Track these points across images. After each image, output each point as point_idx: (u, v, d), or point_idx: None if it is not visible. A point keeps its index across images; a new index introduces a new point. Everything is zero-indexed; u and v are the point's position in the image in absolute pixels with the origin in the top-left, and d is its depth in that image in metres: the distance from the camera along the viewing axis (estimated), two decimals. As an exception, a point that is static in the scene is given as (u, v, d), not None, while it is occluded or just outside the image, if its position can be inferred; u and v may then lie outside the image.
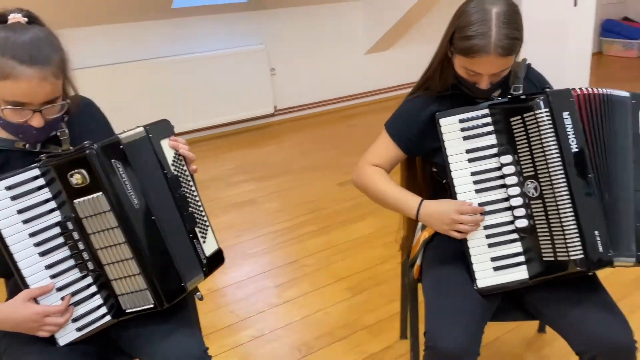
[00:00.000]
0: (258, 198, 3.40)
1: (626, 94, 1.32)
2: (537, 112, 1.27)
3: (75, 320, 1.24)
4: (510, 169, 1.33)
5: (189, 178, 1.37)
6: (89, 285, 1.26)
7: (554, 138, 1.26)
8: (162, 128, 1.34)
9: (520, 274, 1.32)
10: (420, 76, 1.52)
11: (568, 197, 1.24)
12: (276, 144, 4.47)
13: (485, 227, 1.35)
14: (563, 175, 1.25)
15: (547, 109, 1.27)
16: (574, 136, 1.26)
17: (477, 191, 1.36)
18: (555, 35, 3.26)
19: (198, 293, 1.44)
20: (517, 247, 1.33)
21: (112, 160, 1.20)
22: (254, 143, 4.51)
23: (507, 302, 1.43)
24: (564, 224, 1.25)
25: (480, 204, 1.35)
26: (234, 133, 4.75)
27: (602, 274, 1.37)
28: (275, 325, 2.17)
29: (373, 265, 2.55)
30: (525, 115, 1.29)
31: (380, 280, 2.43)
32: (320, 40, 5.11)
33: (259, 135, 4.70)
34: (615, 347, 1.21)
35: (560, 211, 1.25)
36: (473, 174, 1.36)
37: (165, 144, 1.33)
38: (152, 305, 1.26)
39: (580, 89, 1.30)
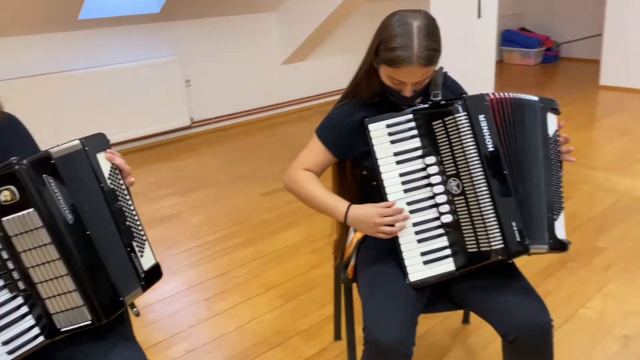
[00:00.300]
0: (181, 212, 3.36)
1: (535, 98, 1.48)
2: (456, 115, 1.40)
3: (5, 343, 1.20)
4: (434, 168, 1.44)
5: (126, 191, 1.36)
6: (19, 306, 1.22)
7: (472, 139, 1.39)
8: (98, 141, 1.33)
9: (448, 266, 1.44)
10: (348, 85, 1.61)
11: (487, 192, 1.38)
12: (195, 156, 4.43)
13: (414, 224, 1.46)
14: (482, 173, 1.38)
15: (465, 113, 1.40)
16: (489, 136, 1.40)
17: (406, 191, 1.46)
18: (462, 45, 3.52)
19: (135, 309, 1.43)
20: (444, 241, 1.45)
21: (44, 176, 1.18)
22: (172, 157, 4.45)
23: (435, 294, 1.54)
24: (484, 217, 1.38)
25: (409, 203, 1.45)
26: (150, 147, 4.65)
27: (520, 263, 1.52)
28: (208, 338, 2.17)
29: (303, 272, 2.61)
30: (446, 119, 1.42)
31: (310, 286, 2.50)
32: (236, 50, 5.14)
33: (176, 149, 4.64)
34: (535, 327, 1.35)
35: (481, 205, 1.38)
36: (401, 175, 1.47)
37: (102, 157, 1.32)
38: (89, 322, 1.25)
39: (493, 94, 1.44)
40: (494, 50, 3.68)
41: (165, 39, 4.69)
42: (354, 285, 1.68)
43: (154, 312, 2.35)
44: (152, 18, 4.52)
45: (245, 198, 3.52)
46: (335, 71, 5.86)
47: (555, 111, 1.53)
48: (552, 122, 1.51)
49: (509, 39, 7.39)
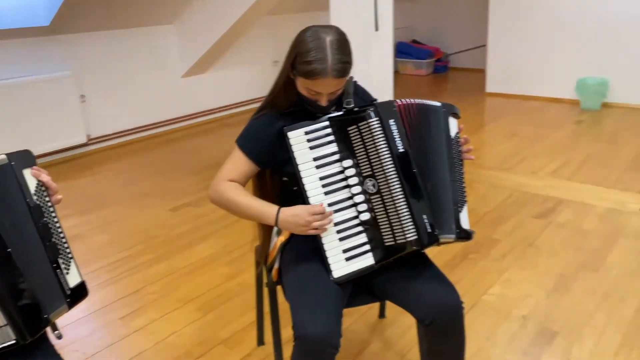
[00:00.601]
0: (84, 232, 3.26)
1: (438, 103, 1.67)
2: (369, 120, 1.55)
3: None
4: (351, 171, 1.58)
5: (52, 208, 1.36)
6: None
7: (384, 141, 1.54)
8: (25, 157, 1.33)
9: (368, 260, 1.57)
10: (266, 96, 1.70)
11: (400, 190, 1.53)
12: (94, 175, 4.29)
13: (336, 224, 1.58)
14: (395, 172, 1.53)
15: (377, 118, 1.55)
16: (399, 139, 1.56)
17: (326, 193, 1.58)
18: (362, 57, 3.73)
19: (57, 331, 1.42)
20: (363, 237, 1.58)
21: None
22: (69, 175, 4.28)
23: (357, 289, 1.67)
24: (399, 212, 1.53)
25: (329, 204, 1.57)
26: (44, 166, 4.43)
27: (432, 253, 1.69)
28: (128, 356, 2.14)
29: (220, 283, 2.65)
30: (360, 124, 1.56)
31: (230, 295, 2.54)
32: (133, 64, 5.05)
33: (73, 167, 4.47)
34: (448, 309, 1.52)
35: (395, 202, 1.53)
36: (321, 178, 1.58)
37: (28, 173, 1.31)
38: (13, 342, 1.23)
39: (400, 100, 1.61)
40: (392, 62, 3.94)
41: (58, 53, 4.51)
42: (278, 288, 1.77)
43: (68, 334, 2.28)
44: (42, 31, 4.34)
45: (152, 215, 3.48)
46: (238, 82, 5.93)
47: (456, 115, 1.73)
48: (454, 125, 1.70)
49: (402, 50, 7.86)
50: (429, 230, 1.53)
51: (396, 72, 7.99)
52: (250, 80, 6.00)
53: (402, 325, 2.22)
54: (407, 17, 8.05)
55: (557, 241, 2.90)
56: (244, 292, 2.55)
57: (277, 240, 1.73)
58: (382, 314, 2.30)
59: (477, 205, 3.39)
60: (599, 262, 2.68)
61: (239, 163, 1.68)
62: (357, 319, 2.30)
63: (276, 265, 1.74)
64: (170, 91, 5.40)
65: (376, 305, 2.33)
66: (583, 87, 5.69)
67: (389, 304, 2.30)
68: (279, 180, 1.75)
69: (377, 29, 3.71)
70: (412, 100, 1.63)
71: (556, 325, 2.21)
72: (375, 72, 3.82)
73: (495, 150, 4.49)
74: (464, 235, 1.62)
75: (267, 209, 1.59)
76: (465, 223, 1.64)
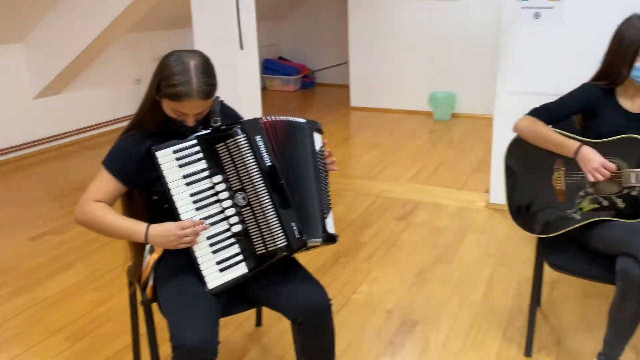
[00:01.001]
0: None
1: (303, 120, 1.83)
2: (236, 137, 1.67)
3: None
4: (222, 186, 1.68)
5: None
6: None
7: (252, 157, 1.67)
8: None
9: (241, 269, 1.68)
10: (133, 117, 1.75)
11: (269, 201, 1.66)
12: (-64, 207, 3.93)
13: (208, 238, 1.67)
14: (263, 185, 1.67)
15: (244, 135, 1.67)
16: (266, 154, 1.69)
17: (197, 209, 1.67)
18: (228, 75, 3.85)
19: None
20: (236, 248, 1.69)
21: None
22: None
23: (232, 298, 1.77)
24: (269, 222, 1.66)
25: (202, 220, 1.66)
26: None
27: (306, 259, 1.84)
28: (-8, 398, 2.04)
29: (89, 310, 2.59)
30: (227, 141, 1.67)
31: (101, 321, 2.50)
32: (-23, 84, 4.70)
33: None
34: (318, 307, 1.67)
35: (265, 212, 1.66)
36: (192, 195, 1.67)
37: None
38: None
39: (266, 117, 1.75)
40: (258, 78, 4.10)
41: None
42: (154, 306, 1.81)
43: None
44: None
45: (9, 246, 3.29)
46: (98, 103, 5.72)
47: (319, 131, 1.91)
48: (318, 139, 1.87)
49: (269, 67, 8.09)
50: (298, 236, 1.68)
51: (264, 89, 8.19)
52: (111, 100, 5.82)
53: (278, 331, 2.35)
54: (273, 34, 8.30)
55: (416, 239, 3.22)
56: (115, 317, 2.52)
57: (150, 258, 1.78)
58: (258, 323, 2.41)
59: (346, 213, 3.64)
60: (451, 255, 3.03)
61: (105, 183, 1.71)
62: (234, 330, 2.38)
63: (150, 283, 1.78)
64: (21, 114, 5.08)
65: (253, 315, 2.43)
66: (434, 100, 6.28)
67: (265, 313, 2.42)
68: (148, 199, 1.80)
69: (242, 47, 3.85)
70: (278, 117, 1.78)
71: (417, 315, 2.47)
72: (242, 89, 3.95)
73: (361, 160, 4.82)
74: (330, 239, 1.78)
75: (136, 227, 1.65)
76: (330, 228, 1.81)
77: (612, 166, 1.90)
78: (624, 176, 1.93)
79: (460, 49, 6.17)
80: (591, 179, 1.92)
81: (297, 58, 8.38)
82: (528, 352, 2.18)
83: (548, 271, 2.17)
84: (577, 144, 1.94)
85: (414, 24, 6.34)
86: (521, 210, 2.14)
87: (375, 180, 4.26)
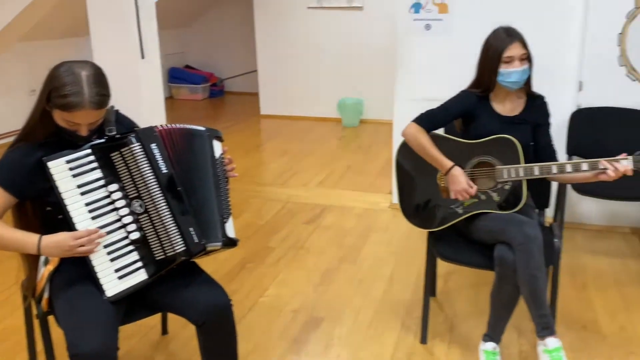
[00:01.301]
0: None
1: (202, 128, 1.89)
2: (131, 146, 1.70)
3: None
4: (118, 194, 1.71)
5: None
6: None
7: (148, 164, 1.71)
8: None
9: (141, 276, 1.71)
10: (21, 128, 1.74)
11: (167, 207, 1.71)
12: None
13: (106, 246, 1.69)
14: (160, 192, 1.71)
15: (139, 143, 1.71)
16: (162, 161, 1.74)
17: (94, 218, 1.68)
18: (130, 85, 3.82)
19: None
20: (135, 255, 1.72)
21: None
22: None
23: (133, 304, 1.80)
24: (167, 228, 1.70)
25: (98, 228, 1.67)
26: None
27: (213, 267, 1.89)
28: None
29: (-18, 333, 2.50)
30: (122, 150, 1.70)
31: (-3, 343, 2.42)
32: None
33: None
34: (218, 308, 1.73)
35: (163, 219, 1.70)
36: (87, 204, 1.68)
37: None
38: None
39: (162, 125, 1.79)
40: (161, 87, 4.09)
41: None
42: (51, 318, 1.79)
43: None
44: None
45: None
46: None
47: (219, 138, 1.97)
48: (218, 147, 1.93)
49: (175, 76, 8.01)
50: (196, 240, 1.73)
51: (171, 98, 8.09)
52: (3, 111, 5.56)
53: (185, 338, 2.38)
54: (180, 43, 8.22)
55: (323, 241, 3.34)
56: (10, 337, 2.43)
57: (45, 270, 1.77)
58: (164, 331, 2.42)
59: (254, 219, 3.70)
60: (356, 254, 3.18)
61: (-6, 196, 1.68)
62: (140, 339, 2.39)
63: (46, 295, 1.77)
64: None
65: (159, 324, 2.44)
66: (343, 106, 6.49)
67: (171, 321, 2.44)
68: (42, 210, 1.79)
69: (143, 56, 3.83)
70: (175, 125, 1.83)
71: (322, 312, 2.59)
72: (145, 98, 3.93)
73: (271, 167, 4.90)
74: (230, 243, 1.85)
75: (27, 239, 1.64)
76: (230, 232, 1.88)
77: (473, 191, 2.13)
78: (498, 172, 2.15)
79: (366, 56, 6.43)
80: (453, 196, 2.16)
81: (205, 66, 8.36)
82: (424, 339, 2.36)
83: (443, 264, 2.35)
84: (450, 164, 2.16)
85: (321, 32, 6.53)
86: (411, 207, 2.31)
87: (284, 187, 4.36)
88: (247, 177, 4.56)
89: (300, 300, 2.70)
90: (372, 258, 3.13)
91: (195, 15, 8.13)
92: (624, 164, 1.97)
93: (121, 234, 1.72)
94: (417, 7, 3.53)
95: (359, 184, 4.38)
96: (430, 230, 2.30)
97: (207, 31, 8.29)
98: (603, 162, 2.00)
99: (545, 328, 2.01)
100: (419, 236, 3.34)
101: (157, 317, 2.40)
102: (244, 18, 7.73)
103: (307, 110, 6.82)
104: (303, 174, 4.67)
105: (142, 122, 1.98)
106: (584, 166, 2.03)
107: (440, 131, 2.37)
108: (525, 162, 2.12)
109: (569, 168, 2.05)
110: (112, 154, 1.71)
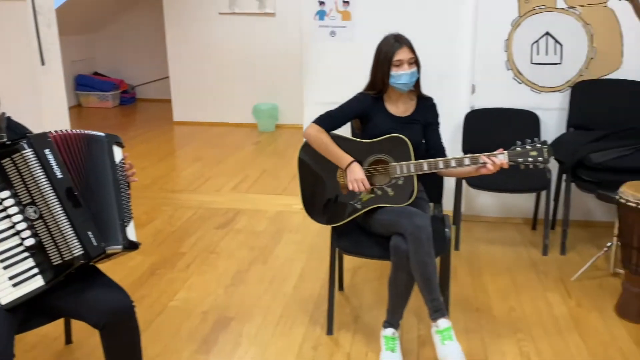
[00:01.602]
0: None
1: (102, 134, 1.92)
2: (23, 152, 1.70)
3: None
4: (10, 201, 1.70)
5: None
6: None
7: (41, 170, 1.71)
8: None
9: (37, 282, 1.71)
10: None
11: (62, 212, 1.72)
12: None
13: (-2, 254, 1.68)
14: (55, 197, 1.72)
15: (31, 149, 1.71)
16: (57, 166, 1.75)
17: (-16, 226, 1.67)
18: (30, 92, 3.70)
19: None
20: (30, 262, 1.71)
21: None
22: None
23: (31, 313, 1.79)
24: (63, 232, 1.71)
25: (-10, 236, 1.66)
26: None
27: (116, 277, 1.90)
28: None
29: None
30: (13, 156, 1.70)
31: None
32: None
33: None
34: (119, 310, 1.76)
35: (59, 224, 1.71)
36: (-23, 212, 1.66)
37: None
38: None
39: (56, 131, 1.80)
40: (64, 95, 3.99)
41: None
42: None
43: None
44: None
45: None
46: None
47: (120, 144, 1.99)
48: (118, 152, 1.96)
49: (83, 83, 7.77)
50: (95, 244, 1.76)
51: (79, 106, 7.85)
52: None
53: (90, 346, 2.36)
54: (88, 49, 7.98)
55: (235, 245, 3.40)
56: None
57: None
58: (68, 340, 2.39)
59: (165, 226, 3.70)
60: (268, 255, 3.26)
61: None
62: (42, 350, 2.34)
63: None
64: None
65: (62, 334, 2.40)
66: (258, 112, 6.56)
67: (75, 330, 2.40)
68: None
69: (43, 63, 3.73)
70: (71, 130, 1.84)
71: (232, 312, 2.65)
72: (46, 106, 3.82)
73: (183, 174, 4.89)
74: (130, 246, 1.88)
75: None
76: (132, 235, 1.91)
77: (368, 187, 2.28)
78: (391, 169, 2.30)
79: (279, 62, 6.53)
80: (350, 187, 2.29)
81: (115, 73, 8.17)
82: (330, 330, 2.47)
83: (352, 259, 2.47)
84: (350, 159, 2.30)
85: (233, 38, 6.57)
86: (314, 205, 2.43)
87: (196, 193, 4.37)
88: (158, 185, 4.53)
89: (210, 302, 2.75)
90: (284, 258, 3.23)
91: (104, 20, 7.94)
92: (500, 158, 2.18)
93: (15, 240, 1.71)
94: (321, 14, 3.68)
95: (273, 188, 4.46)
96: (333, 225, 2.42)
97: (116, 37, 8.11)
98: (483, 157, 2.20)
99: (436, 311, 2.17)
100: (330, 234, 3.46)
101: (61, 327, 2.37)
102: (155, 24, 7.64)
103: (222, 116, 6.83)
104: (216, 179, 4.69)
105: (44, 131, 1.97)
106: (467, 161, 2.22)
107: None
108: (417, 159, 2.29)
109: (453, 163, 2.23)
110: (3, 161, 1.70)
